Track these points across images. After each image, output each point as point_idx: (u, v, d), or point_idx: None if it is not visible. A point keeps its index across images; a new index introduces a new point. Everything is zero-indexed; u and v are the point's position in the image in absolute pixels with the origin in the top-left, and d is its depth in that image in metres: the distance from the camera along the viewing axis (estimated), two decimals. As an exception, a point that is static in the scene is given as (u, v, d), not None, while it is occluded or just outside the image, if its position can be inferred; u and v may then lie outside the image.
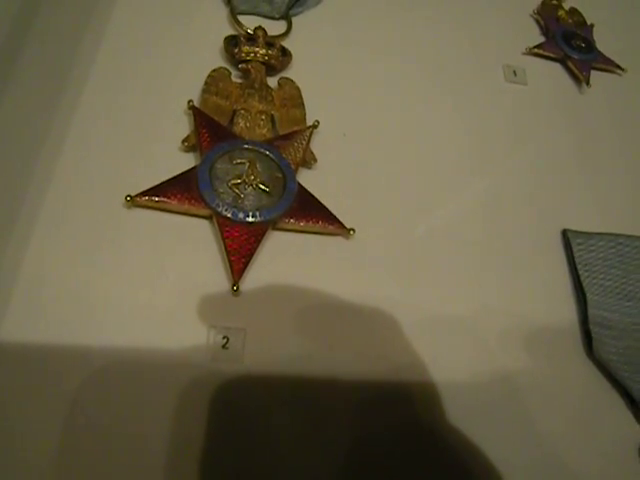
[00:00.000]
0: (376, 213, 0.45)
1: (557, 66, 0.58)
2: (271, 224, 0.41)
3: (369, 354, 0.39)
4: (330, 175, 0.45)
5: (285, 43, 0.51)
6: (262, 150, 0.43)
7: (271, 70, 0.49)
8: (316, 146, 0.46)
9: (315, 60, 0.51)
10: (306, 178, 0.44)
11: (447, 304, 0.42)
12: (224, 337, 0.37)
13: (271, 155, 0.43)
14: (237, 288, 0.38)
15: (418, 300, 0.42)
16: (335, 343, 0.39)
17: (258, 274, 0.40)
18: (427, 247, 0.44)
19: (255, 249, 0.40)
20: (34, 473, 0.31)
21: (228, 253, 0.39)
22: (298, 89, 0.48)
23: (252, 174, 0.42)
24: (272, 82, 0.48)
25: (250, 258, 0.39)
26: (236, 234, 0.40)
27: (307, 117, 0.47)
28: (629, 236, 0.47)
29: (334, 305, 0.40)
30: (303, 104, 0.47)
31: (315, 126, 0.46)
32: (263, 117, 0.45)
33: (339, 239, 0.43)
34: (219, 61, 0.49)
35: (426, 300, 0.42)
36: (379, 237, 0.44)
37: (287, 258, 0.41)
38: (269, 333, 0.38)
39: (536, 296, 0.44)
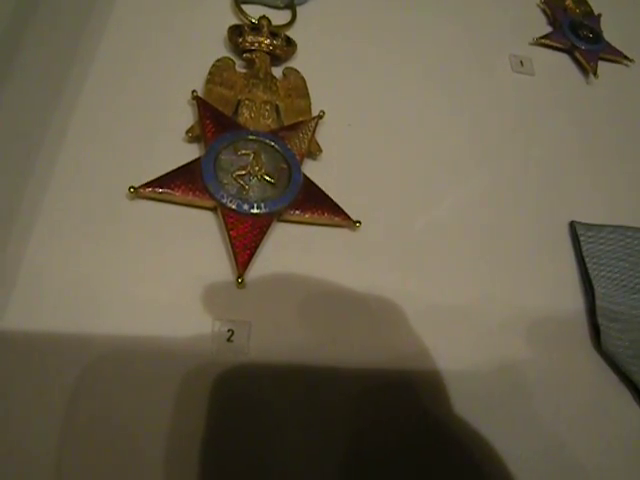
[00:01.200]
0: (381, 204, 0.44)
1: (564, 56, 0.58)
2: (276, 216, 0.40)
3: (375, 345, 0.39)
4: (335, 166, 0.45)
5: (290, 33, 0.50)
6: (267, 141, 0.42)
7: (276, 60, 0.48)
8: (321, 137, 0.45)
9: (320, 50, 0.50)
10: (311, 169, 0.43)
11: (453, 296, 0.42)
12: (229, 330, 0.37)
13: (276, 146, 0.42)
14: (242, 280, 0.38)
15: (424, 292, 0.41)
16: (340, 335, 0.39)
17: (263, 266, 0.39)
18: (433, 239, 0.44)
19: (260, 241, 0.39)
20: (35, 462, 0.31)
21: (233, 245, 0.39)
22: (303, 79, 0.47)
23: (257, 165, 0.41)
24: (277, 72, 0.48)
25: (255, 250, 0.39)
26: (241, 226, 0.39)
27: (312, 107, 0.46)
28: (636, 228, 0.47)
29: (339, 297, 0.40)
30: (308, 94, 0.47)
31: (320, 116, 0.45)
32: (268, 107, 0.45)
33: (344, 231, 0.42)
34: (223, 51, 0.48)
35: (432, 292, 0.42)
36: (384, 228, 0.43)
37: (292, 250, 0.41)
38: (274, 325, 0.38)
39: (543, 288, 0.44)
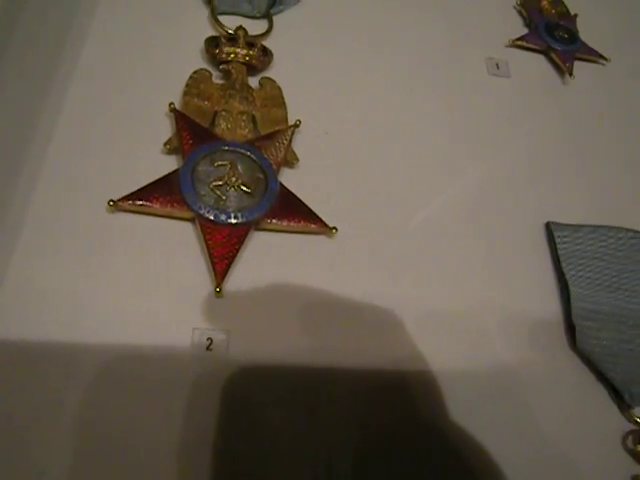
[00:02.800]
0: (359, 210, 0.45)
1: (540, 58, 0.58)
2: (253, 225, 0.41)
3: (353, 350, 0.39)
4: (313, 174, 0.45)
5: (267, 42, 0.51)
6: (243, 151, 0.43)
7: (252, 70, 0.49)
8: (298, 145, 0.46)
9: (297, 58, 0.51)
10: (288, 178, 0.44)
11: (430, 299, 0.43)
12: (208, 338, 0.38)
13: (252, 156, 0.43)
14: (220, 290, 0.38)
15: (401, 296, 0.42)
16: (319, 341, 0.39)
17: (241, 275, 0.40)
18: (410, 243, 0.44)
19: (238, 250, 0.40)
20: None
21: (211, 255, 0.39)
22: (279, 89, 0.48)
23: (233, 175, 0.42)
24: (254, 82, 0.48)
25: (233, 259, 0.40)
26: (218, 236, 0.40)
27: (289, 116, 0.47)
28: (612, 227, 0.48)
29: (318, 303, 0.41)
30: (284, 104, 0.47)
31: (297, 125, 0.46)
32: (244, 118, 0.45)
33: (322, 238, 0.43)
34: (200, 62, 0.49)
35: (409, 296, 0.42)
36: (363, 235, 0.44)
37: (270, 258, 0.41)
38: (253, 334, 0.39)
39: (520, 290, 0.45)
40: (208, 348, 0.37)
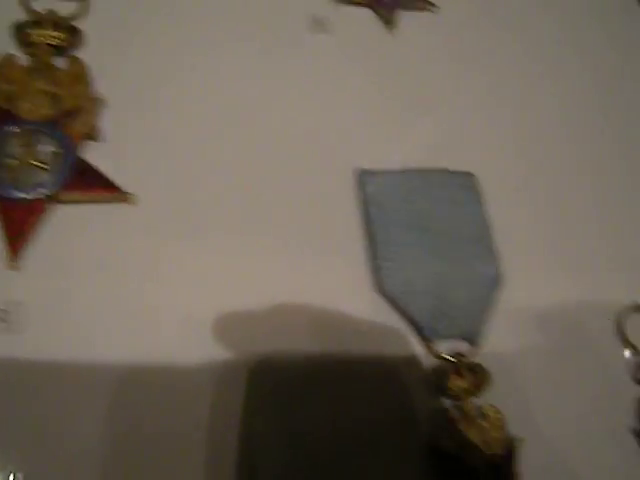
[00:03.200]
0: (163, 178, 0.46)
1: (367, 12, 0.58)
2: (53, 199, 0.43)
3: (143, 323, 0.41)
4: (120, 147, 0.46)
5: (82, 22, 0.51)
6: (40, 128, 0.45)
7: (60, 51, 0.49)
8: (107, 120, 0.47)
9: (110, 36, 0.51)
10: (93, 152, 0.45)
11: (233, 263, 0.43)
12: (2, 310, 0.39)
13: (50, 132, 0.44)
14: (16, 265, 0.40)
15: (205, 262, 0.43)
16: (120, 312, 0.41)
17: (41, 249, 0.42)
18: (215, 207, 0.46)
19: (35, 225, 0.42)
20: None
21: (7, 232, 0.41)
22: (84, 66, 0.49)
23: (30, 153, 0.43)
24: (61, 62, 0.49)
25: (30, 235, 0.41)
26: (14, 213, 0.42)
27: (98, 93, 0.48)
28: (422, 170, 0.49)
29: (117, 271, 0.42)
30: (89, 81, 0.48)
31: (99, 100, 0.47)
32: (48, 97, 0.47)
33: (124, 206, 0.44)
34: (10, 47, 0.49)
35: (215, 260, 0.43)
36: (164, 202, 0.45)
37: (71, 230, 0.43)
38: (51, 307, 0.40)
39: (329, 238, 0.46)
40: (3, 321, 0.39)
